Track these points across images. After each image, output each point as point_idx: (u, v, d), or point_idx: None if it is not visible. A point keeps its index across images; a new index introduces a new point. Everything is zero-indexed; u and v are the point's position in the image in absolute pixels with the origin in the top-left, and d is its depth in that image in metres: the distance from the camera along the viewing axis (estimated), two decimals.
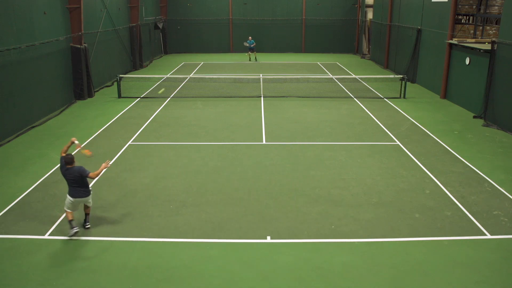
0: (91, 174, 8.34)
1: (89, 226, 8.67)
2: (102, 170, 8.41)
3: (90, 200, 8.65)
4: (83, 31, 19.38)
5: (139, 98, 19.97)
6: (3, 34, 13.97)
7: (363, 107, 18.32)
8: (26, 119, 15.29)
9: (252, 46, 32.71)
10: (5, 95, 14.08)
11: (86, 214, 8.74)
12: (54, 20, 17.55)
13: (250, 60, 33.02)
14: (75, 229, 8.26)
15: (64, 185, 10.53)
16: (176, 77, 24.95)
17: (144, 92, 21.30)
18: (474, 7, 19.86)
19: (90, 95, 20.17)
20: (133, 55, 28.29)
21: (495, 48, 15.64)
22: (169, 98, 19.98)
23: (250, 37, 33.42)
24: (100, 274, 7.20)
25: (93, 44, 21.35)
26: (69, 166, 8.32)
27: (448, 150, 13.12)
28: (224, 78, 24.75)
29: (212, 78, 25.07)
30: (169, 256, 7.72)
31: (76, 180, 8.32)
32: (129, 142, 13.77)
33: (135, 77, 24.17)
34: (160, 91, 13.26)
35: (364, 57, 35.66)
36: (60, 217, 9.04)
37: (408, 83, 22.67)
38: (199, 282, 7.03)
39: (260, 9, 38.12)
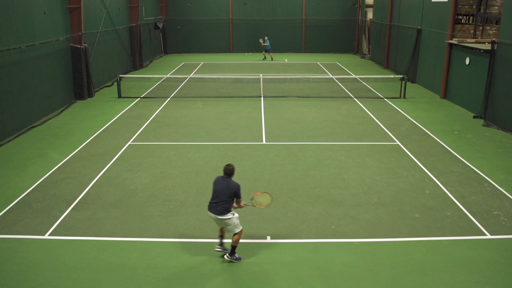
0: (241, 202, 7.48)
1: (219, 249, 7.62)
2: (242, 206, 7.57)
3: (230, 223, 7.33)
4: (83, 31, 19.38)
5: (139, 98, 19.97)
6: (3, 34, 13.96)
7: (363, 107, 18.32)
8: (26, 119, 15.29)
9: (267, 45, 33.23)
10: (5, 95, 14.08)
11: (220, 236, 7.71)
12: (54, 20, 17.55)
13: (265, 59, 33.58)
14: (217, 248, 7.68)
15: (64, 186, 10.56)
16: (176, 77, 24.95)
17: (144, 92, 21.30)
18: (474, 7, 19.86)
19: (90, 95, 20.17)
20: (133, 55, 28.28)
21: (495, 48, 15.64)
22: (169, 98, 19.98)
23: (266, 37, 33.76)
24: (100, 274, 7.19)
25: (93, 44, 21.35)
26: (225, 176, 7.41)
27: (448, 150, 13.11)
28: (224, 78, 24.75)
29: (212, 78, 25.07)
30: (169, 256, 7.72)
31: (219, 194, 7.29)
32: (129, 142, 13.77)
33: (135, 77, 24.17)
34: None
35: (364, 57, 35.65)
36: (60, 217, 9.03)
37: (408, 83, 22.66)
38: (199, 282, 7.03)
39: (260, 9, 38.12)
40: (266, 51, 33.33)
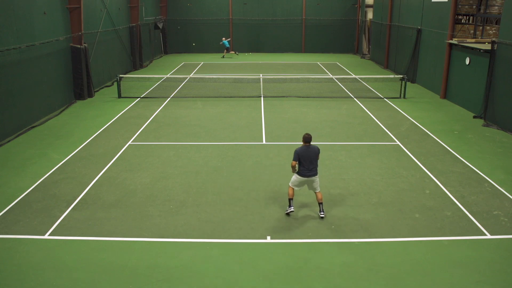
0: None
1: (323, 215, 8.97)
2: None
3: (317, 180, 8.95)
4: (83, 31, 19.38)
5: (139, 98, 19.97)
6: (3, 34, 13.96)
7: (363, 107, 18.32)
8: (26, 119, 15.29)
9: (227, 46, 35.54)
10: (5, 95, 14.08)
11: (320, 204, 9.04)
12: (54, 20, 17.55)
13: (223, 57, 35.54)
14: (289, 210, 9.06)
15: (64, 186, 10.57)
16: (176, 77, 24.96)
17: (144, 92, 21.31)
18: (474, 7, 19.86)
19: (90, 95, 20.18)
20: (133, 55, 28.29)
21: (495, 48, 15.64)
22: (169, 98, 19.98)
23: (223, 38, 36.05)
24: (100, 274, 7.20)
25: (93, 44, 21.35)
26: (307, 145, 8.74)
27: (448, 150, 13.11)
28: (224, 78, 24.75)
29: (212, 78, 25.08)
30: (169, 256, 7.72)
31: (313, 160, 8.77)
32: (129, 142, 13.77)
33: (135, 77, 24.17)
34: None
35: (364, 57, 35.66)
36: (60, 217, 9.04)
37: (408, 83, 22.67)
38: (199, 282, 7.03)
39: (260, 9, 38.12)
40: (227, 50, 35.24)
